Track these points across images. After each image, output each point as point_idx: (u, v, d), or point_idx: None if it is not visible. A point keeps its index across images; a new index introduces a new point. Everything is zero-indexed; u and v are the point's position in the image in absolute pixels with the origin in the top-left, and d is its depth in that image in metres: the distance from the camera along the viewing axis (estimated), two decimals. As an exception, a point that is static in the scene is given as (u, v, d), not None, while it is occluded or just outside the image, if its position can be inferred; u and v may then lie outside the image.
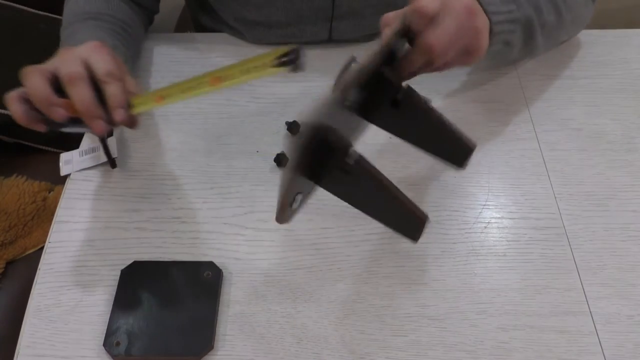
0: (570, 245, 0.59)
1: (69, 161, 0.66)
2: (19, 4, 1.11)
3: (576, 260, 0.58)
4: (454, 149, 0.55)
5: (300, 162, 0.46)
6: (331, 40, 0.80)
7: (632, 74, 0.76)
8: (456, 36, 0.53)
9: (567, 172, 0.65)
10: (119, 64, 0.56)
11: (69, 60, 0.53)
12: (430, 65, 0.55)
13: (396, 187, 0.48)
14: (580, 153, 0.67)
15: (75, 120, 0.54)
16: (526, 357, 0.51)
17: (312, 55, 0.79)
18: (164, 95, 0.54)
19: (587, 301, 0.55)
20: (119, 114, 0.53)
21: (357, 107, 0.55)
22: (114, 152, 0.66)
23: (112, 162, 0.65)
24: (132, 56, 0.72)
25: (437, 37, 0.52)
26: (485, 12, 0.59)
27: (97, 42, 0.56)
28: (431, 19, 0.53)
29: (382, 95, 0.56)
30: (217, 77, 0.50)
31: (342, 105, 0.50)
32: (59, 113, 0.52)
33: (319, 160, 0.50)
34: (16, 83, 1.04)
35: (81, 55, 0.54)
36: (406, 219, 0.47)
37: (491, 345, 0.52)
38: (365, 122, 0.59)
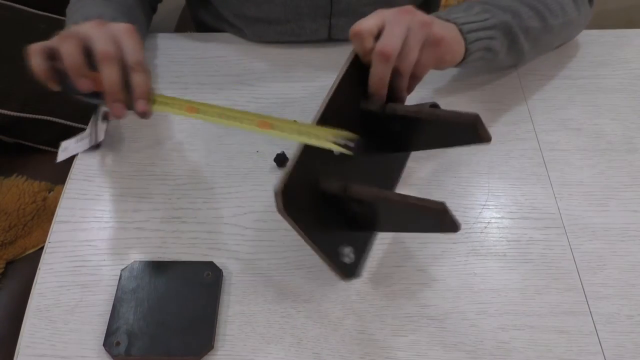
0: (570, 245, 0.59)
1: (65, 148, 0.67)
2: (19, 4, 1.11)
3: (576, 260, 0.58)
4: (463, 131, 0.54)
5: (298, 224, 0.49)
6: (331, 39, 0.80)
7: (632, 74, 0.76)
8: (404, 34, 0.54)
9: (567, 172, 0.65)
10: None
11: (103, 36, 0.54)
12: (402, 73, 0.55)
13: (400, 195, 0.48)
14: (580, 153, 0.67)
15: (94, 94, 0.55)
16: (526, 357, 0.51)
17: (312, 55, 0.79)
18: (197, 108, 0.54)
19: (587, 301, 0.55)
20: (141, 104, 0.54)
21: (366, 150, 0.56)
22: (101, 136, 0.67)
23: (96, 143, 0.67)
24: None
25: (383, 42, 0.53)
26: (449, 21, 0.61)
27: (130, 25, 0.56)
28: (375, 37, 0.54)
29: (380, 129, 0.57)
30: (266, 122, 0.51)
31: (328, 155, 0.51)
32: (85, 84, 0.54)
33: (331, 210, 0.52)
34: (16, 82, 1.04)
35: (115, 34, 0.54)
36: (429, 217, 0.47)
37: (491, 345, 0.52)
38: (393, 156, 0.61)
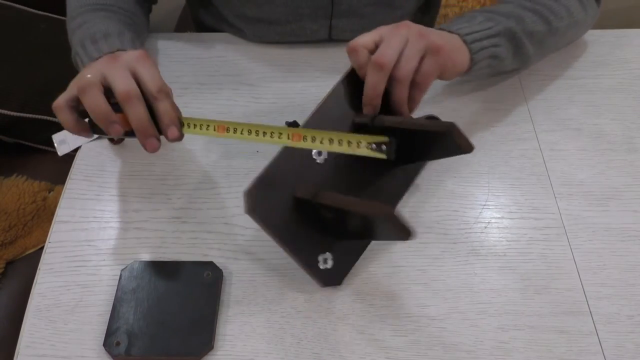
0: (570, 245, 0.59)
1: (63, 141, 0.67)
2: (19, 4, 1.11)
3: (576, 260, 0.58)
4: (444, 140, 0.53)
5: (267, 225, 0.49)
6: (331, 39, 0.81)
7: (632, 74, 0.76)
8: (402, 46, 0.55)
9: (567, 172, 0.65)
10: None
11: (120, 74, 0.53)
12: (400, 80, 0.55)
13: (355, 199, 0.48)
14: (580, 153, 0.67)
15: (125, 133, 0.55)
16: (526, 357, 0.51)
17: (312, 55, 0.79)
18: (227, 127, 0.53)
19: (587, 301, 0.55)
20: (172, 132, 0.54)
21: (360, 164, 0.56)
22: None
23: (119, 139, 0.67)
24: (143, 43, 0.73)
25: (379, 53, 0.54)
26: (452, 32, 0.62)
27: (142, 52, 0.56)
28: (372, 52, 0.56)
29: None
30: (299, 135, 0.50)
31: (309, 163, 0.53)
32: (116, 130, 0.53)
33: (311, 216, 0.52)
34: (16, 82, 1.04)
35: (129, 66, 0.54)
36: (380, 222, 0.47)
37: (491, 345, 0.52)
38: (390, 172, 0.60)
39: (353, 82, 0.57)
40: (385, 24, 0.59)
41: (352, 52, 0.56)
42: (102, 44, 0.63)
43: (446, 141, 0.51)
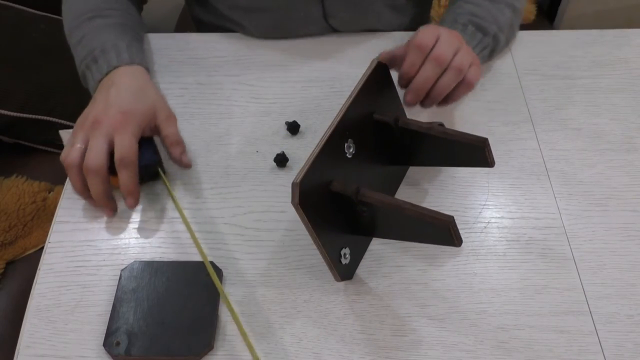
0: (570, 245, 0.59)
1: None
2: (19, 4, 1.11)
3: (576, 260, 0.58)
4: (470, 153, 0.55)
5: (308, 219, 0.50)
6: (328, 23, 0.80)
7: (632, 74, 0.76)
8: (438, 35, 0.60)
9: (567, 172, 0.65)
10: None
11: (96, 145, 0.58)
12: (435, 65, 0.59)
13: (411, 204, 0.49)
14: (580, 153, 0.67)
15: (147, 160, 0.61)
16: (526, 357, 0.51)
17: (313, 55, 0.79)
18: None
19: (587, 301, 0.55)
20: (127, 202, 0.59)
21: (374, 158, 0.59)
22: None
23: None
24: (141, 40, 0.75)
25: (420, 36, 0.60)
26: None
27: (122, 118, 0.60)
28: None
29: (389, 139, 0.60)
30: None
31: (341, 157, 0.54)
32: (91, 202, 0.61)
33: (337, 211, 0.53)
34: (16, 82, 1.03)
35: (108, 132, 0.59)
36: (436, 229, 0.48)
37: (491, 345, 0.52)
38: (396, 167, 0.63)
39: (377, 78, 0.58)
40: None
41: (417, 49, 0.60)
42: (102, 62, 0.67)
43: (475, 153, 0.55)
